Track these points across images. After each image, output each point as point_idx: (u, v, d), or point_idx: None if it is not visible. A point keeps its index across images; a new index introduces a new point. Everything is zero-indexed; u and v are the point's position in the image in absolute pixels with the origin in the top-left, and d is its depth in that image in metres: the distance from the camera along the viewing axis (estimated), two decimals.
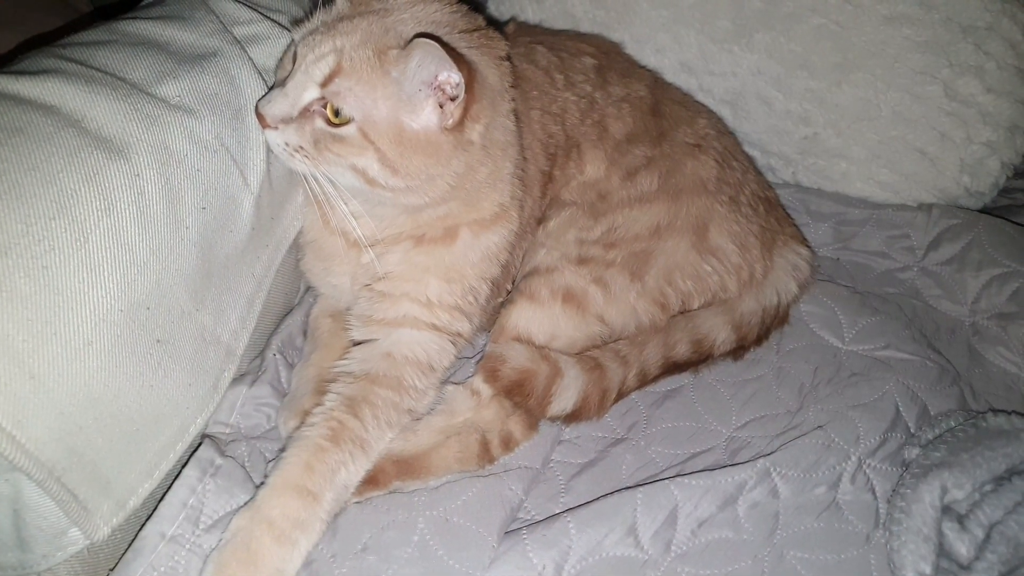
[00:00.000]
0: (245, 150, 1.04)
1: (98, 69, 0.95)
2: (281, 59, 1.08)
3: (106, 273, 0.83)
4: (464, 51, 0.99)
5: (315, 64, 0.96)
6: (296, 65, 0.98)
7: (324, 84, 0.95)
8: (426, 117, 0.97)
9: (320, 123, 0.97)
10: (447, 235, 1.10)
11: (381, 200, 1.04)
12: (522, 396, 1.08)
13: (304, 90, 0.96)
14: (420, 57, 0.92)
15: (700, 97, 1.57)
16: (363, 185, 1.00)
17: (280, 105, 0.97)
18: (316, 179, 1.00)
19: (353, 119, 0.96)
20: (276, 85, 1.02)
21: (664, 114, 1.33)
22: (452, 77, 0.94)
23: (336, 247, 1.14)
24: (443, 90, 0.95)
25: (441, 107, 0.97)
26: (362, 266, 1.12)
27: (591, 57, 1.35)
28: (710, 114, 1.43)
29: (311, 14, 1.04)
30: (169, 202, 0.91)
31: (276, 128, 0.98)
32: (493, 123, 1.04)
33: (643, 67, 1.48)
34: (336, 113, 0.96)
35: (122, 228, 0.86)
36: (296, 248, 1.20)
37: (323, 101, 0.96)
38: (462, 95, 0.95)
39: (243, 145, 1.04)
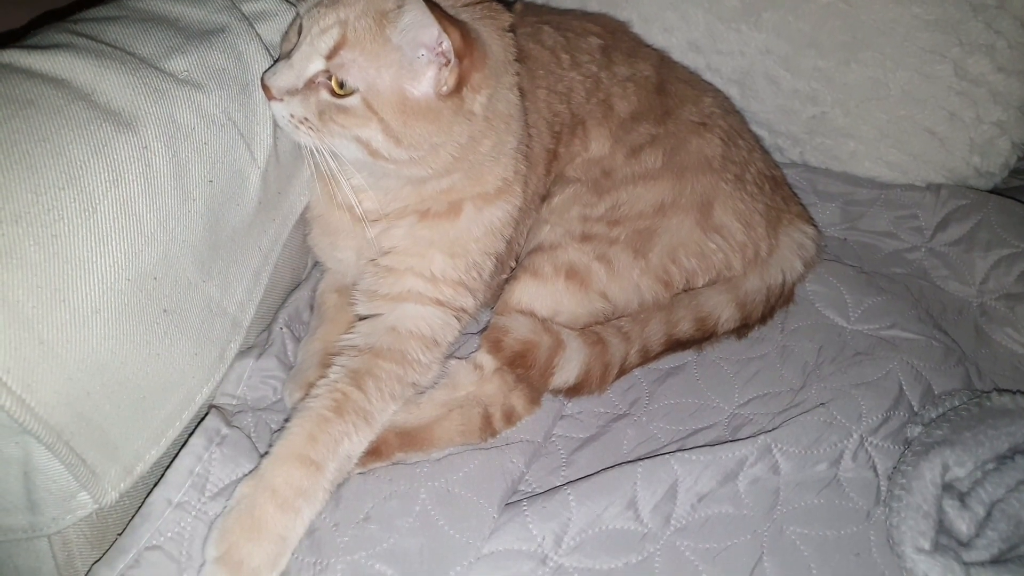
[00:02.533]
0: (252, 125, 1.05)
1: (108, 44, 0.96)
2: (287, 32, 1.09)
3: (114, 243, 0.84)
4: (466, 20, 0.99)
5: (320, 36, 0.96)
6: (301, 37, 0.99)
7: (329, 56, 0.96)
8: (426, 84, 0.98)
9: (325, 95, 0.98)
10: (451, 209, 1.10)
11: (385, 172, 1.04)
12: (524, 367, 1.09)
13: (309, 62, 0.97)
14: (411, 16, 0.92)
15: (708, 76, 1.57)
16: (367, 157, 1.01)
17: (285, 77, 0.98)
18: (320, 152, 1.01)
19: (357, 90, 0.97)
20: (282, 57, 1.03)
21: (670, 93, 1.33)
22: (443, 41, 0.94)
23: (342, 222, 1.15)
24: (444, 56, 0.96)
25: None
26: (368, 241, 1.13)
27: (597, 37, 1.35)
28: (716, 93, 1.43)
29: None
30: (176, 174, 0.93)
31: (281, 100, 0.99)
32: (496, 94, 1.04)
33: (650, 46, 1.47)
34: (340, 84, 0.97)
35: (130, 199, 0.87)
36: (303, 223, 1.21)
37: (327, 73, 0.97)
38: (453, 60, 0.95)
39: (250, 120, 1.05)
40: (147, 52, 0.98)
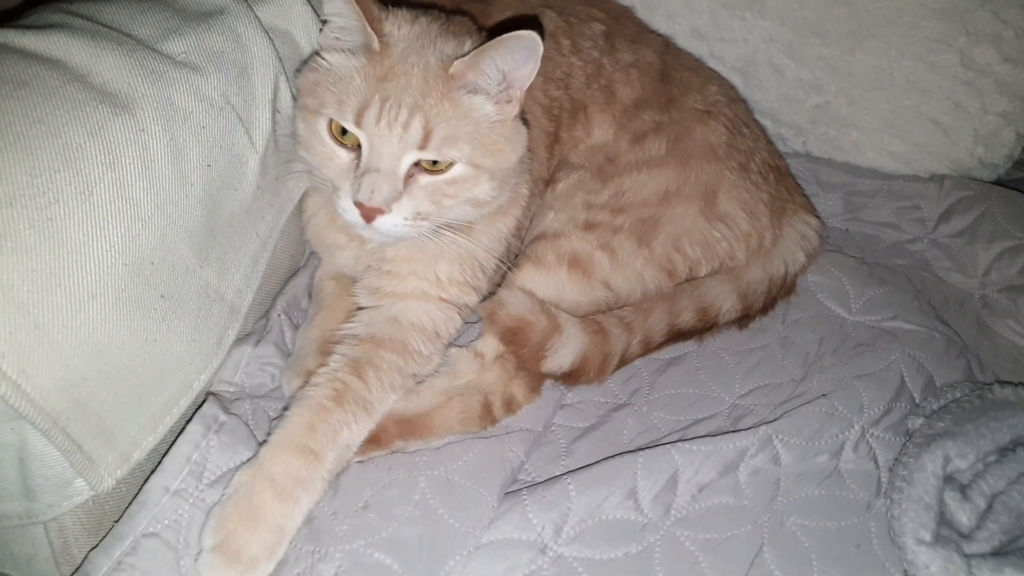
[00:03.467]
0: (251, 109, 1.04)
1: (104, 25, 0.94)
2: (315, 135, 0.99)
3: (111, 227, 0.83)
4: None
5: (404, 134, 0.93)
6: (371, 139, 0.94)
7: (422, 147, 0.94)
8: (513, 106, 0.99)
9: (426, 178, 0.96)
10: (466, 227, 1.08)
11: (470, 216, 1.04)
12: (516, 345, 1.08)
13: (401, 162, 0.94)
14: (489, 58, 0.93)
15: (711, 64, 1.55)
16: (473, 211, 1.01)
17: (384, 189, 0.94)
18: (431, 234, 1.00)
19: (460, 159, 0.96)
20: (338, 174, 0.97)
21: (674, 80, 1.31)
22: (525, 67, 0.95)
23: (339, 240, 1.15)
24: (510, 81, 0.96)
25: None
26: (367, 251, 1.13)
27: (600, 23, 1.33)
28: (721, 81, 1.42)
29: None
30: (174, 158, 0.91)
31: (389, 211, 0.95)
32: None
33: (654, 33, 1.46)
34: (434, 162, 0.96)
35: (127, 182, 0.85)
36: (300, 211, 1.20)
37: (419, 160, 0.95)
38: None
39: (249, 104, 1.03)
40: (144, 33, 0.96)
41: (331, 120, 0.96)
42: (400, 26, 0.99)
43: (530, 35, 0.90)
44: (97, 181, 0.83)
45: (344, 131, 0.96)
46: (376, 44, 0.95)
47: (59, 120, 0.82)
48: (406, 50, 0.96)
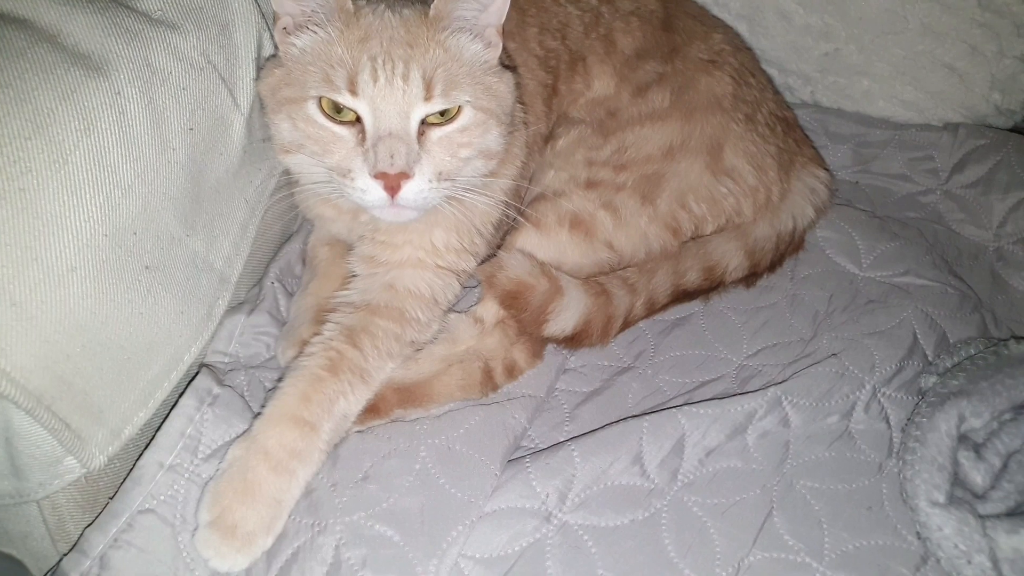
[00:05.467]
0: (233, 68, 0.99)
1: None
2: (307, 122, 0.93)
3: (88, 196, 0.79)
4: None
5: (406, 84, 0.87)
6: (373, 103, 0.88)
7: (428, 98, 0.89)
8: (496, 45, 0.95)
9: (438, 131, 0.91)
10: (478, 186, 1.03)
11: (481, 170, 1.00)
12: (517, 309, 1.05)
13: (411, 120, 0.88)
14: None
15: (715, 12, 1.50)
16: (485, 165, 0.97)
17: (400, 149, 0.87)
18: (455, 196, 0.95)
19: (465, 102, 0.91)
20: (345, 155, 0.91)
21: (677, 29, 1.26)
22: None
23: (327, 212, 1.11)
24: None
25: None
26: (360, 222, 1.09)
27: None
28: (726, 29, 1.37)
29: None
30: (153, 122, 0.87)
31: (413, 176, 0.88)
32: None
33: None
34: (441, 113, 0.91)
35: (104, 149, 0.82)
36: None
37: (425, 116, 0.90)
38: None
39: (231, 63, 0.99)
40: None
41: (320, 99, 0.90)
42: None
43: None
44: (72, 148, 0.79)
45: (338, 110, 0.90)
46: (349, 4, 0.89)
47: (28, 84, 0.78)
48: (378, 6, 0.92)
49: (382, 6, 0.93)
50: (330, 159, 0.91)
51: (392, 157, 0.87)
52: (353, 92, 0.88)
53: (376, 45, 0.88)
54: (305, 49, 0.92)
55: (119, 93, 0.84)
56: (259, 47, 1.02)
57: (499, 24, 0.94)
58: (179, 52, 0.92)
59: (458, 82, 0.90)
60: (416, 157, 0.89)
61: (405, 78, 0.87)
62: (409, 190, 0.89)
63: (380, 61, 0.87)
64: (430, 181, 0.90)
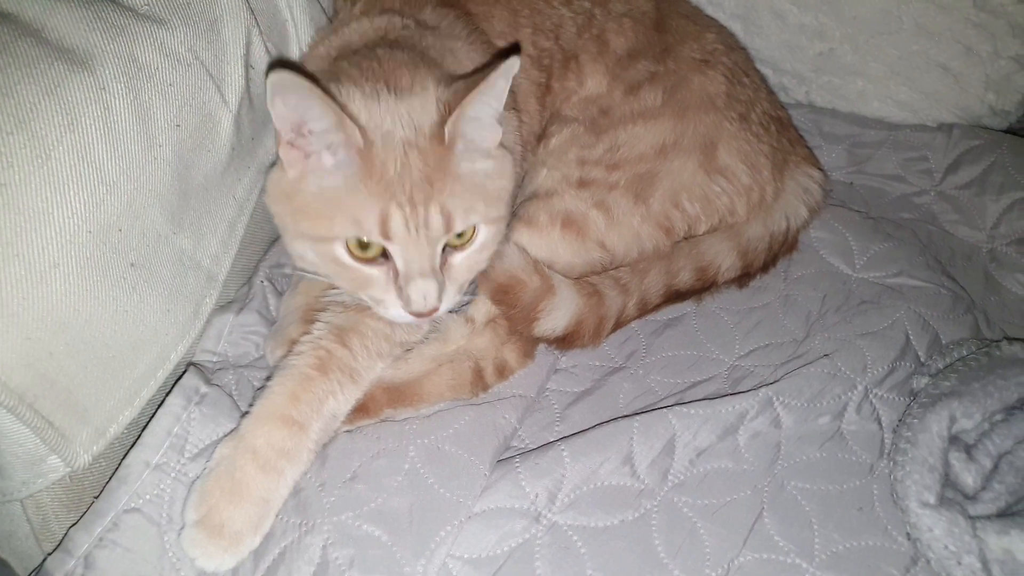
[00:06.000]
0: (221, 64, 0.98)
1: None
2: (335, 262, 0.93)
3: (72, 192, 0.78)
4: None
5: (429, 228, 0.89)
6: (404, 248, 0.89)
7: (448, 230, 0.90)
8: (497, 134, 0.96)
9: (459, 256, 0.94)
10: None
11: None
12: (507, 304, 1.04)
13: (435, 257, 0.91)
14: (467, 120, 0.90)
15: (710, 11, 1.49)
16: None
17: (432, 291, 0.91)
18: None
19: (479, 222, 0.93)
20: (377, 290, 0.93)
21: (670, 29, 1.26)
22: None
23: None
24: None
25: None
26: None
27: None
28: (720, 29, 1.36)
29: None
30: (139, 118, 0.86)
31: (441, 305, 0.93)
32: None
33: None
34: (459, 235, 0.93)
35: (88, 145, 0.81)
36: None
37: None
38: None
39: (219, 59, 0.98)
40: None
41: (346, 240, 0.90)
42: (354, 99, 0.90)
43: (502, 71, 0.86)
44: (55, 144, 0.78)
45: (364, 246, 0.90)
46: (362, 140, 0.86)
47: (10, 78, 0.77)
48: (386, 133, 0.88)
49: (391, 129, 0.89)
50: (361, 293, 0.94)
51: (425, 299, 0.91)
52: (385, 236, 0.89)
53: (399, 189, 0.87)
54: (323, 189, 0.89)
55: (104, 88, 0.83)
56: (248, 44, 1.01)
57: (499, 110, 0.93)
58: (166, 48, 0.91)
59: (473, 206, 0.92)
60: (443, 287, 0.93)
61: (429, 222, 0.89)
62: (436, 314, 0.94)
63: (407, 208, 0.87)
64: (454, 298, 0.96)
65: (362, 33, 1.06)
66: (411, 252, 0.89)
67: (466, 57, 1.07)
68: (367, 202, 0.87)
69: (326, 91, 0.84)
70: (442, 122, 0.88)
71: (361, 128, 0.86)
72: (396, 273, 0.91)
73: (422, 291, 0.90)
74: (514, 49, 0.90)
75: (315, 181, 0.89)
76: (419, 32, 1.07)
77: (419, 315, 0.92)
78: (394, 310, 0.93)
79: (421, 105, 0.91)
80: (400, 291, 0.91)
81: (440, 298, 0.92)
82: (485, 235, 0.95)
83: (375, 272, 0.91)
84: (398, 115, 0.90)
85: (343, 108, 0.85)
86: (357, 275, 0.92)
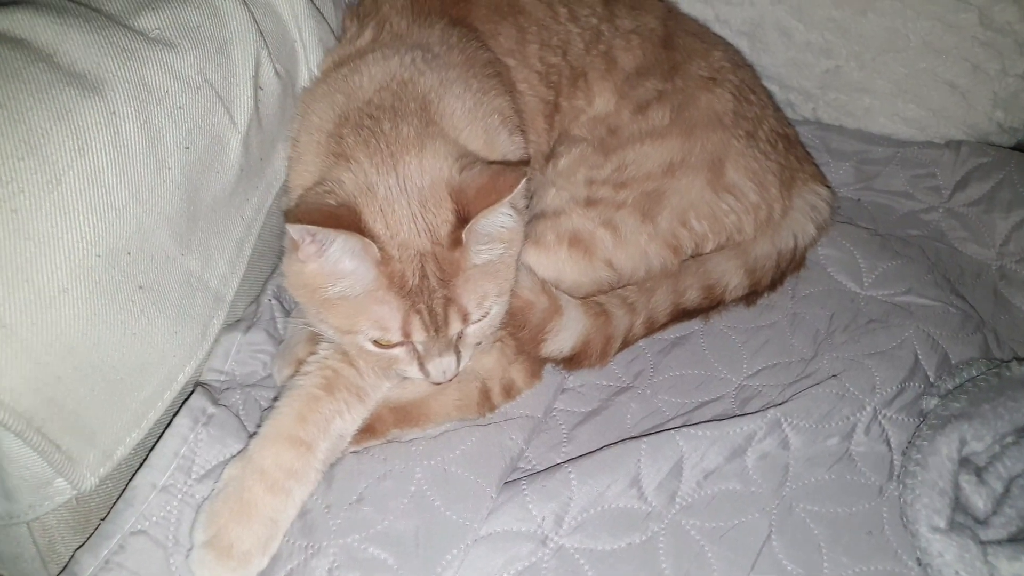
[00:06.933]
0: (231, 87, 0.99)
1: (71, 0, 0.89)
2: (360, 349, 0.95)
3: (82, 217, 0.79)
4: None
5: (447, 326, 0.92)
6: (424, 343, 0.93)
7: (465, 323, 0.94)
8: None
9: (472, 328, 0.96)
10: None
11: None
12: (515, 326, 1.04)
13: (452, 343, 0.95)
14: (483, 227, 0.91)
15: (716, 29, 1.50)
16: None
17: (450, 366, 0.95)
18: None
19: (492, 305, 0.96)
20: (399, 365, 0.97)
21: (677, 46, 1.26)
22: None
23: None
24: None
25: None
26: None
27: None
28: (727, 46, 1.36)
29: None
30: (149, 141, 0.87)
31: (457, 370, 0.98)
32: None
33: None
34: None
35: (98, 169, 0.81)
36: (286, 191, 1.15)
37: None
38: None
39: (228, 81, 0.99)
40: (114, 8, 0.91)
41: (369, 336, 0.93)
42: (369, 203, 0.90)
43: (519, 189, 0.88)
44: (66, 168, 0.78)
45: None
46: (379, 256, 0.87)
47: (22, 104, 0.77)
48: (402, 244, 0.89)
49: (406, 236, 0.89)
50: (385, 368, 0.98)
51: (444, 373, 0.95)
52: (406, 336, 0.91)
53: (417, 294, 0.89)
54: (344, 291, 0.90)
55: (114, 113, 0.84)
56: (257, 65, 1.02)
57: (515, 211, 0.97)
58: (176, 71, 0.91)
59: (487, 292, 0.94)
60: (460, 357, 0.96)
61: (447, 322, 0.91)
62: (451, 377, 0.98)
63: (425, 315, 0.90)
64: (468, 360, 0.99)
65: (363, 89, 1.02)
66: (431, 344, 0.93)
67: (473, 101, 1.05)
68: (388, 311, 0.89)
69: (346, 217, 0.86)
70: (456, 229, 0.89)
71: (380, 245, 0.87)
72: (416, 352, 0.94)
73: (441, 368, 0.95)
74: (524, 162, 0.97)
75: (334, 281, 0.89)
76: (425, 74, 1.03)
77: (438, 383, 0.98)
78: (412, 374, 0.97)
79: (434, 200, 0.91)
80: (421, 366, 0.95)
81: (456, 367, 0.96)
82: (497, 310, 0.98)
83: (398, 353, 0.94)
84: (412, 218, 0.90)
85: (363, 228, 0.87)
86: (381, 357, 0.95)
